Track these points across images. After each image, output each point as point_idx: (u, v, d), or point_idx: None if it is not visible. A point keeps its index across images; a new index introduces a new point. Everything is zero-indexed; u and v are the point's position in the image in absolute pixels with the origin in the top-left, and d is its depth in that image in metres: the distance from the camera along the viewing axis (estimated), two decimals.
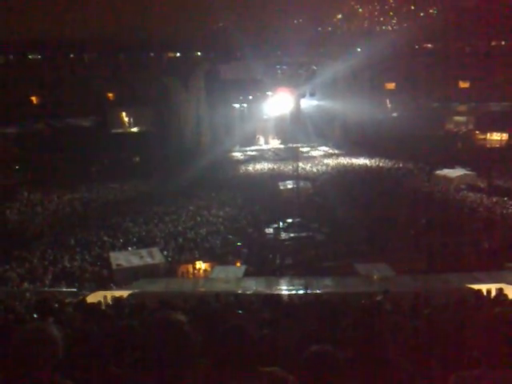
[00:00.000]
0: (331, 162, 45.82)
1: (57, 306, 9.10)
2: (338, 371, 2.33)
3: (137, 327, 3.21)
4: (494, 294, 9.99)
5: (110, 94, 51.62)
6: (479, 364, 2.48)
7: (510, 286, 12.03)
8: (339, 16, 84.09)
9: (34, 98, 48.69)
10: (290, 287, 15.07)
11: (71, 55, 51.17)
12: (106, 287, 18.09)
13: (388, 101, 55.97)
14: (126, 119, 51.78)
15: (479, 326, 2.53)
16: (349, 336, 4.99)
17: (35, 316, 7.87)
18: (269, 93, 52.42)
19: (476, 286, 11.90)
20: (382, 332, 2.61)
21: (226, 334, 2.56)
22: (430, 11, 76.56)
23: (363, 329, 2.66)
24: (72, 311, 8.28)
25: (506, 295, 9.76)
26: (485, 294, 10.10)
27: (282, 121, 51.64)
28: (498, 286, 11.21)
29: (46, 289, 17.98)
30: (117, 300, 11.43)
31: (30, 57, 50.38)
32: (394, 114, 55.98)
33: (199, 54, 54.63)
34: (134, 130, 51.98)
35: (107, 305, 10.68)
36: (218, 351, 2.52)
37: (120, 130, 51.21)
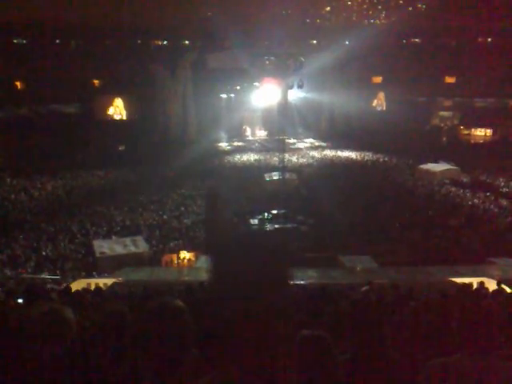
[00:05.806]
0: (317, 154, 45.92)
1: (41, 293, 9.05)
2: (330, 354, 2.37)
3: (127, 314, 3.20)
4: (475, 287, 10.18)
5: (96, 81, 51.04)
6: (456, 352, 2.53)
7: (491, 279, 12.24)
8: (328, 8, 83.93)
9: (17, 83, 47.99)
10: None
11: (57, 41, 50.49)
12: (89, 275, 18.06)
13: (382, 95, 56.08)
14: (112, 107, 51.21)
15: (463, 316, 2.58)
16: (333, 323, 5.08)
17: (20, 302, 7.82)
18: (256, 83, 52.15)
19: (458, 280, 12.10)
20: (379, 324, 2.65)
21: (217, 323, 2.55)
22: (418, 6, 76.75)
23: (356, 321, 2.70)
24: (57, 298, 8.25)
25: (486, 289, 9.96)
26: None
27: (269, 112, 51.32)
28: (480, 279, 11.40)
29: (29, 276, 17.88)
30: (101, 288, 11.40)
31: (14, 41, 49.63)
32: (379, 108, 56.26)
33: (186, 42, 54.19)
34: (120, 117, 51.47)
35: (91, 292, 10.64)
36: (209, 340, 2.51)
37: (105, 118, 50.67)
